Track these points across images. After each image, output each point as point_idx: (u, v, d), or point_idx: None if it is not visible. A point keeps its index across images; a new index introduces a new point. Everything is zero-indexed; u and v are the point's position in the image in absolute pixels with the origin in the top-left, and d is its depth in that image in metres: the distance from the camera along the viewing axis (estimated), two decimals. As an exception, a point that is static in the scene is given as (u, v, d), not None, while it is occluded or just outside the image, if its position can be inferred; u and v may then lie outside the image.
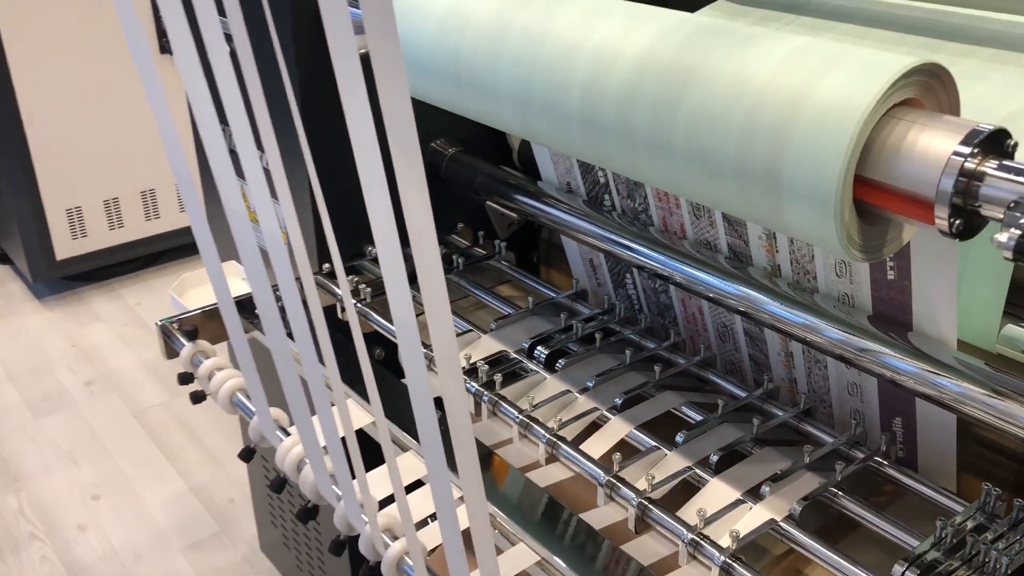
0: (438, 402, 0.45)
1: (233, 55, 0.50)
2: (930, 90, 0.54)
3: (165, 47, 2.29)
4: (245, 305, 0.96)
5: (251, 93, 0.48)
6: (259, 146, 0.52)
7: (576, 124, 0.68)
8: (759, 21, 0.95)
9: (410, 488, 0.71)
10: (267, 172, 0.54)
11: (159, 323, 0.92)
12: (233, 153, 0.56)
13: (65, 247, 2.35)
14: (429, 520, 0.71)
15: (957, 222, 0.50)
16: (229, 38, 0.50)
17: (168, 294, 1.13)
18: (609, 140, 0.66)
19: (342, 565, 1.24)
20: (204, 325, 0.96)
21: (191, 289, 1.16)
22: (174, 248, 2.55)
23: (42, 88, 2.20)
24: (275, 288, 0.61)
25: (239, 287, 1.17)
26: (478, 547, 0.50)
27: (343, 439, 0.61)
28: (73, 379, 2.12)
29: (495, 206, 1.06)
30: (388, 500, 0.70)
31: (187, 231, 2.53)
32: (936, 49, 0.81)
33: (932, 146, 0.50)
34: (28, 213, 2.27)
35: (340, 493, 0.67)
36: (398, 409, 0.78)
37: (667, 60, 0.61)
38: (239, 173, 0.57)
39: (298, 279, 0.57)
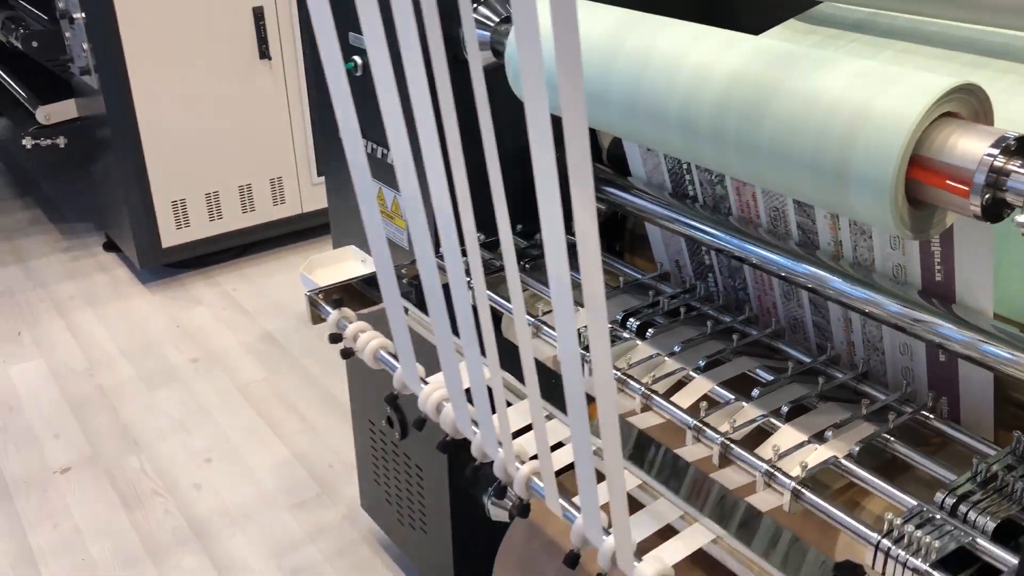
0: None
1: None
2: (968, 105, 0.67)
3: (264, 52, 2.49)
4: (371, 282, 1.13)
5: (443, 105, 0.63)
6: (444, 150, 0.67)
7: (675, 129, 0.82)
8: (826, 39, 1.08)
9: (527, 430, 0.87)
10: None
11: (307, 293, 1.09)
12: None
13: (170, 236, 2.56)
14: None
15: (989, 204, 0.64)
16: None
17: (299, 273, 1.30)
18: (704, 143, 0.80)
19: (442, 516, 1.39)
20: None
21: (317, 269, 1.33)
22: (265, 239, 2.75)
23: (155, 93, 2.41)
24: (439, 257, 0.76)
25: (360, 269, 1.35)
26: (608, 462, 0.65)
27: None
28: (179, 357, 2.32)
29: (587, 199, 1.20)
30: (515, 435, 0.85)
31: (278, 223, 2.72)
32: (981, 66, 0.94)
33: (969, 148, 0.64)
34: (139, 205, 2.49)
35: (477, 428, 0.82)
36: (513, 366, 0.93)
37: (754, 78, 0.76)
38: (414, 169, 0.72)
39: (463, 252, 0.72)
